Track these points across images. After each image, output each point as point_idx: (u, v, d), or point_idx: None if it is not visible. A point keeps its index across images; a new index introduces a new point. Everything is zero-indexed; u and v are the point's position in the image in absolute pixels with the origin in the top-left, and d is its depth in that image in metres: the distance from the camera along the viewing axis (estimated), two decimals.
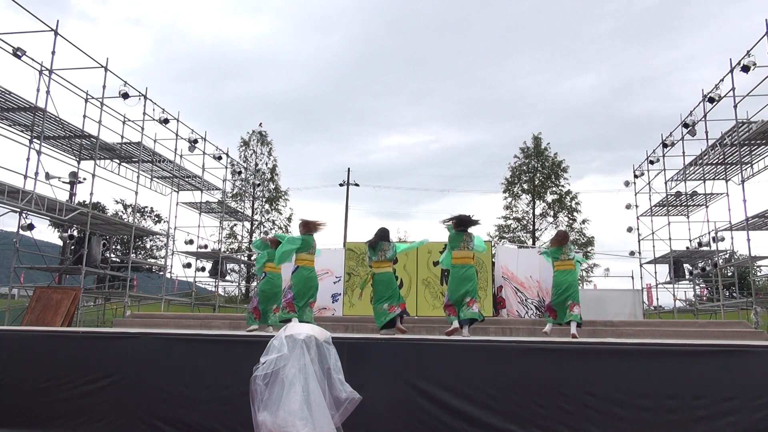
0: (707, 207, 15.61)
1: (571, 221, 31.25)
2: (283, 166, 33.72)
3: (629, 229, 17.78)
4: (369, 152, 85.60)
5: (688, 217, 16.80)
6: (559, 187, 31.66)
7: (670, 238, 16.12)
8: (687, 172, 15.39)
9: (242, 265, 27.08)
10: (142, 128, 14.11)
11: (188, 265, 18.01)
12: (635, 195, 17.59)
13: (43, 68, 11.08)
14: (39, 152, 11.06)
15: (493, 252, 12.74)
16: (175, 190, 17.17)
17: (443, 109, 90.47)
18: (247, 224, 30.68)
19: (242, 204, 29.01)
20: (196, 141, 16.23)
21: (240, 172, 22.96)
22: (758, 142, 12.37)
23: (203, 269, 18.43)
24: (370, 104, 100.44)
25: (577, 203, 31.28)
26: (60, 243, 15.92)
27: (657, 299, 18.30)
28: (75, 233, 14.45)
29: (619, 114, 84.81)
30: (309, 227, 7.08)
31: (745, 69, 11.46)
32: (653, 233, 16.95)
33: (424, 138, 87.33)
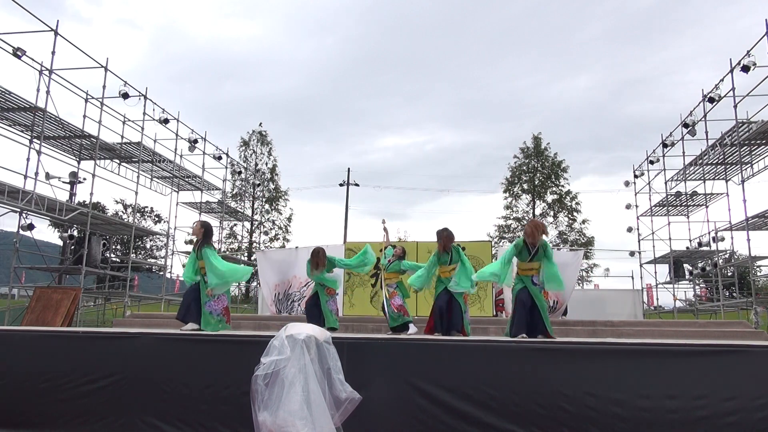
0: (707, 207, 15.62)
1: (571, 221, 31.31)
2: (280, 166, 33.88)
3: (629, 229, 17.79)
4: (365, 153, 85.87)
5: (688, 217, 16.81)
6: (559, 187, 31.71)
7: (670, 238, 16.13)
8: (687, 172, 15.39)
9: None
10: (142, 128, 14.12)
11: None
12: (635, 195, 17.61)
13: (43, 68, 11.08)
14: (39, 152, 11.06)
15: (493, 252, 12.71)
16: (175, 190, 17.17)
17: (438, 110, 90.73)
18: (247, 224, 30.69)
19: (242, 204, 29.03)
20: (196, 141, 16.23)
21: (240, 172, 22.97)
22: (758, 142, 12.37)
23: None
24: (365, 105, 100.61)
25: (577, 203, 31.34)
26: (60, 243, 15.92)
27: (657, 299, 18.30)
28: (75, 233, 14.46)
29: (613, 115, 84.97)
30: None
31: (745, 69, 11.47)
32: (653, 233, 16.96)
33: (419, 138, 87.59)
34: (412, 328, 7.57)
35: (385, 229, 8.41)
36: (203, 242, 6.71)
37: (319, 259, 7.40)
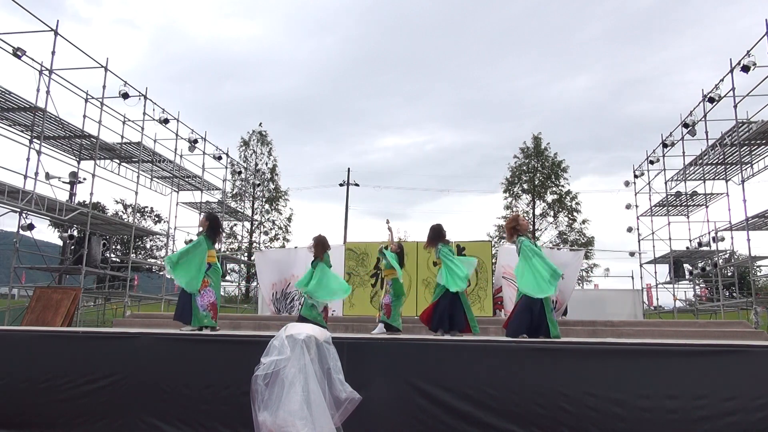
0: (707, 207, 15.62)
1: (571, 221, 31.29)
2: (280, 166, 33.75)
3: (629, 229, 17.80)
4: (365, 153, 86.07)
5: (688, 217, 16.81)
6: (559, 187, 31.69)
7: (670, 238, 16.14)
8: (687, 172, 15.39)
9: (242, 265, 27.07)
10: (142, 128, 14.12)
11: None
12: (635, 195, 17.62)
13: (43, 68, 11.08)
14: (39, 152, 11.06)
15: (493, 252, 12.71)
16: (175, 190, 17.17)
17: (438, 110, 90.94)
18: (247, 224, 30.67)
19: (242, 204, 29.01)
20: (196, 141, 16.23)
21: (240, 172, 22.96)
22: (758, 142, 12.37)
23: None
24: (365, 105, 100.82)
25: (577, 203, 31.31)
26: (60, 243, 15.93)
27: (657, 299, 18.31)
28: (75, 233, 14.45)
29: (613, 115, 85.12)
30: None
31: (745, 69, 11.47)
32: (653, 233, 16.96)
33: (419, 138, 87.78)
34: (379, 328, 7.61)
35: (389, 229, 8.45)
36: (204, 233, 6.72)
37: (323, 245, 7.37)
